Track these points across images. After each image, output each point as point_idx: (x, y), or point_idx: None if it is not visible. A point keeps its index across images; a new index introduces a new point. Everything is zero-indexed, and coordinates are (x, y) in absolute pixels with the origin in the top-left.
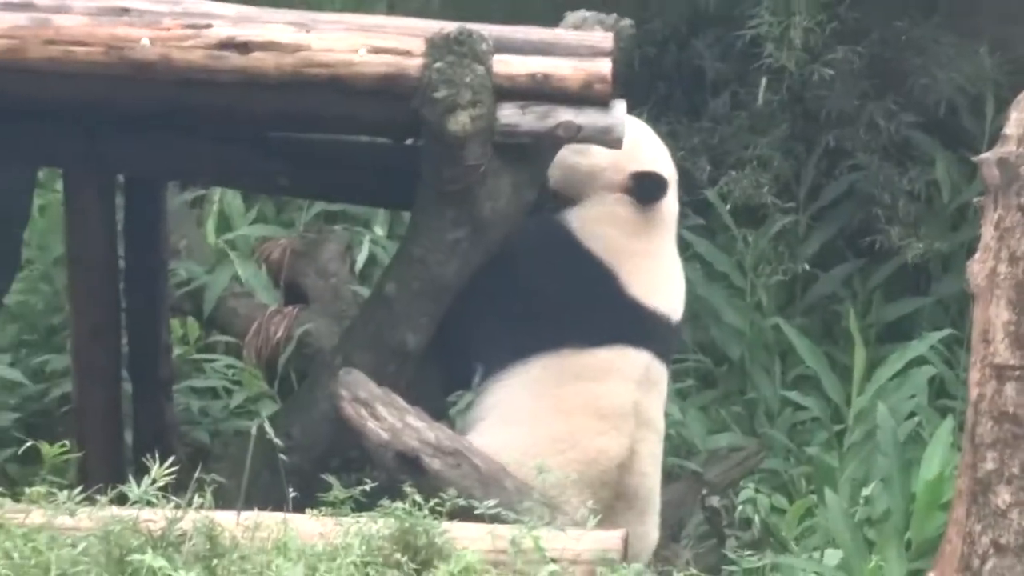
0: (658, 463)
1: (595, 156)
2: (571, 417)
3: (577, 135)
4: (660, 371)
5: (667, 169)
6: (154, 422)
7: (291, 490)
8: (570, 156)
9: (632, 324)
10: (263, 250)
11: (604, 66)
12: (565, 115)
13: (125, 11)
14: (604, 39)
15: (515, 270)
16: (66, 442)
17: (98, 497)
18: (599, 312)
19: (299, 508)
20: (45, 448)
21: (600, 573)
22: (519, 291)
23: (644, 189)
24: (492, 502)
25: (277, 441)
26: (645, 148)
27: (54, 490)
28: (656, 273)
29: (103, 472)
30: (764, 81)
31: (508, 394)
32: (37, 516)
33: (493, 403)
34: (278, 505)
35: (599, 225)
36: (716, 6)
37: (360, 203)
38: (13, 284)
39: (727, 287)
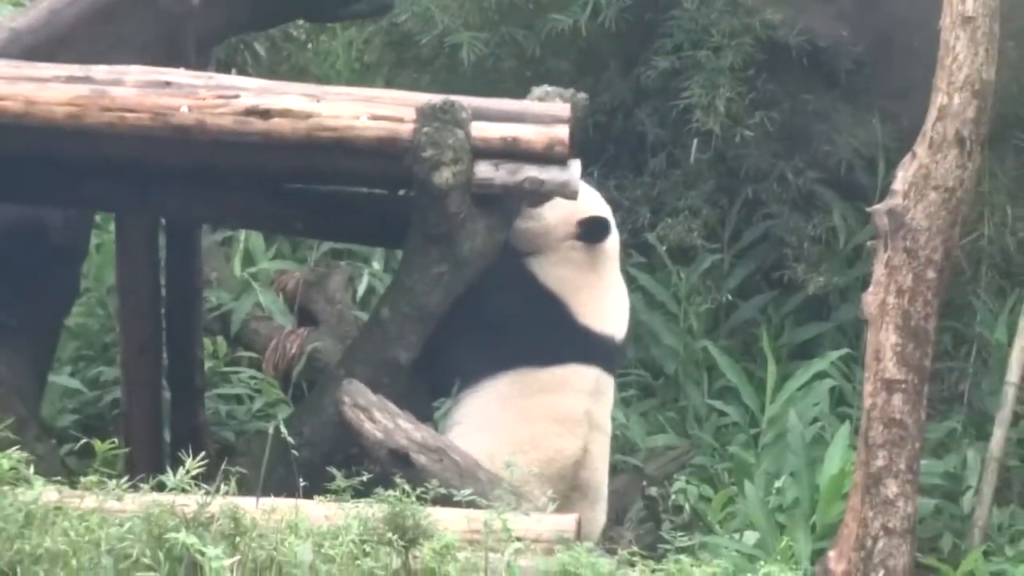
0: (606, 460)
1: (546, 218)
2: (533, 423)
3: (541, 188)
4: (607, 382)
5: (606, 213)
6: (188, 423)
7: (301, 480)
8: (526, 223)
9: (583, 346)
10: (280, 281)
11: (563, 131)
12: (531, 171)
13: (168, 84)
14: (563, 109)
15: (487, 304)
16: (115, 440)
17: (141, 485)
18: (555, 337)
19: (308, 495)
20: (98, 444)
21: (557, 550)
22: (490, 321)
23: (590, 232)
24: (468, 491)
25: (290, 440)
26: (586, 199)
27: (105, 479)
28: (602, 301)
29: (146, 464)
30: (695, 143)
31: (480, 404)
32: (90, 501)
33: (468, 412)
34: (291, 493)
35: (555, 268)
36: (655, 82)
37: (361, 243)
38: (73, 308)
39: (664, 314)
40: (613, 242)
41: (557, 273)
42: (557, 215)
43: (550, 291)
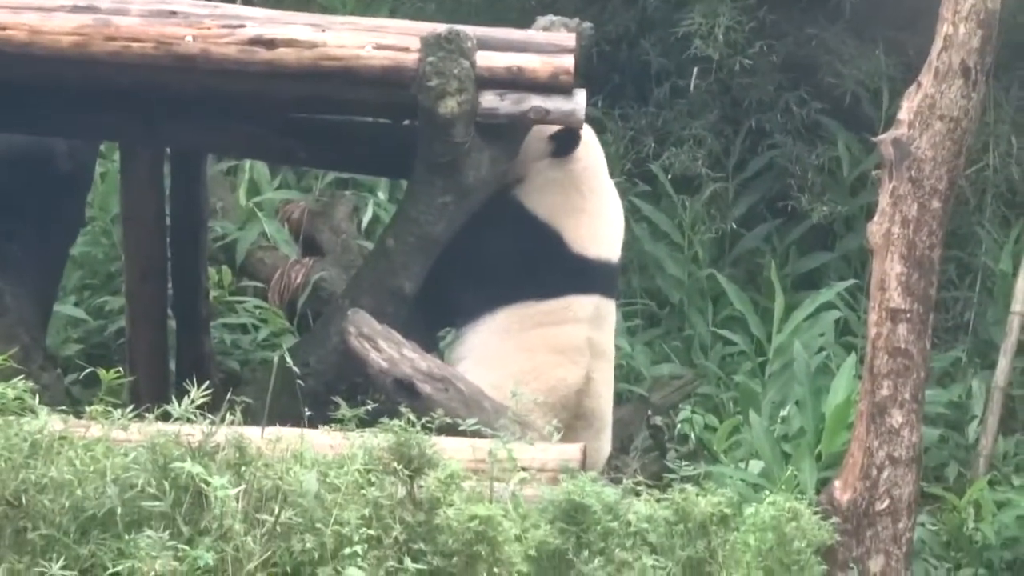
0: (610, 387)
1: None
2: (534, 355)
3: (546, 117)
4: (608, 307)
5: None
6: (193, 353)
7: (307, 410)
8: None
9: (578, 275)
10: (285, 211)
11: (568, 61)
12: (535, 101)
13: (173, 13)
14: (568, 39)
15: (481, 240)
16: (120, 369)
17: (146, 415)
18: (550, 268)
19: (313, 424)
20: (103, 373)
21: (562, 479)
22: (485, 256)
23: (561, 145)
24: (473, 420)
25: (295, 369)
26: None
27: (110, 409)
28: (592, 224)
29: (151, 394)
30: (695, 71)
31: (481, 339)
32: (96, 430)
33: (469, 347)
34: (296, 422)
35: (540, 193)
36: (659, 11)
37: (366, 173)
38: (78, 238)
39: (669, 243)
40: (596, 158)
41: (543, 199)
42: (529, 135)
43: (539, 219)
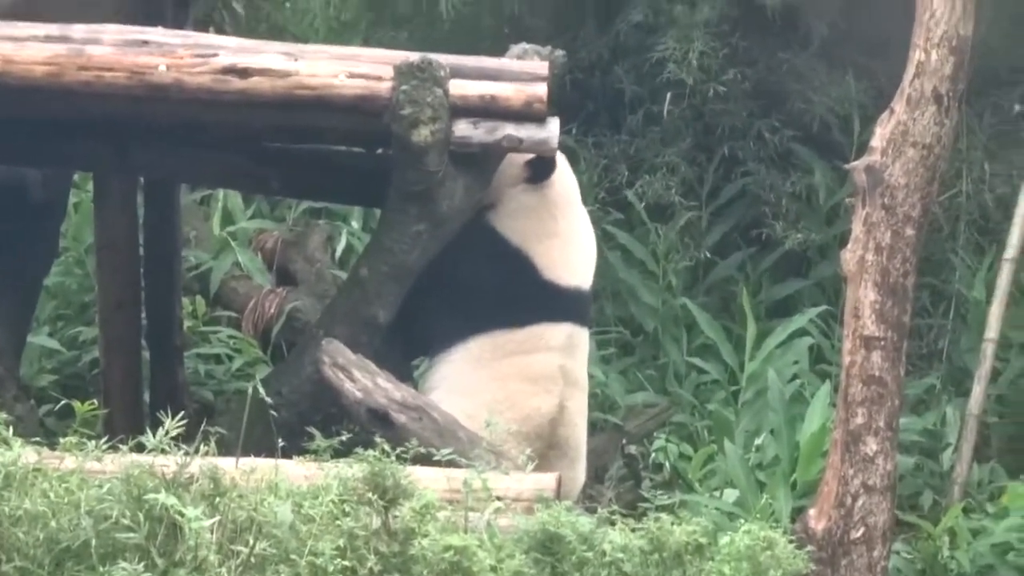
0: (584, 416)
1: None
2: (507, 384)
3: (519, 145)
4: (581, 335)
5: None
6: (168, 383)
7: (281, 440)
8: None
9: (551, 303)
10: (259, 240)
11: (541, 89)
12: (509, 129)
13: (146, 43)
14: (541, 67)
15: (454, 266)
16: (94, 400)
17: (120, 446)
18: (523, 297)
19: (287, 455)
20: (77, 405)
21: (537, 509)
22: (458, 284)
23: (537, 171)
24: (448, 450)
25: (269, 400)
26: None
27: (84, 440)
28: (565, 251)
29: (125, 425)
30: (668, 96)
31: (454, 369)
32: (70, 462)
33: (442, 376)
34: (270, 453)
35: (513, 219)
36: (632, 37)
37: (339, 202)
38: (52, 267)
39: (643, 271)
40: (568, 184)
41: (516, 225)
42: (506, 160)
43: (512, 245)
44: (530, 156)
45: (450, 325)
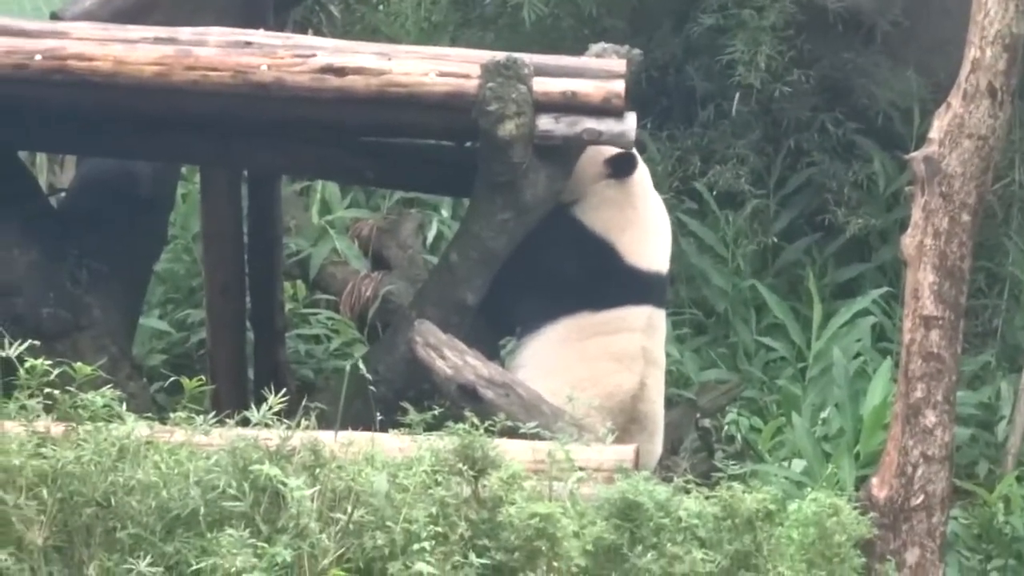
0: (662, 393)
1: (578, 163)
2: (592, 363)
3: (599, 139)
4: (659, 317)
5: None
6: (270, 362)
7: (377, 415)
8: None
9: (633, 286)
10: (355, 228)
11: (619, 86)
12: (589, 123)
13: (248, 44)
14: (619, 65)
15: (541, 254)
16: (202, 378)
17: (227, 420)
18: (607, 281)
19: (383, 428)
20: (186, 382)
21: (617, 478)
22: (546, 270)
23: (618, 167)
24: (533, 424)
25: (366, 376)
26: None
27: (192, 415)
28: (645, 239)
29: (230, 401)
30: (737, 96)
31: (542, 348)
32: (179, 435)
33: (530, 355)
34: (367, 426)
35: (596, 211)
36: (703, 38)
37: (430, 192)
38: (162, 255)
39: (714, 256)
40: (644, 177)
41: (600, 216)
42: (586, 158)
43: (596, 235)
44: (610, 153)
45: (537, 308)
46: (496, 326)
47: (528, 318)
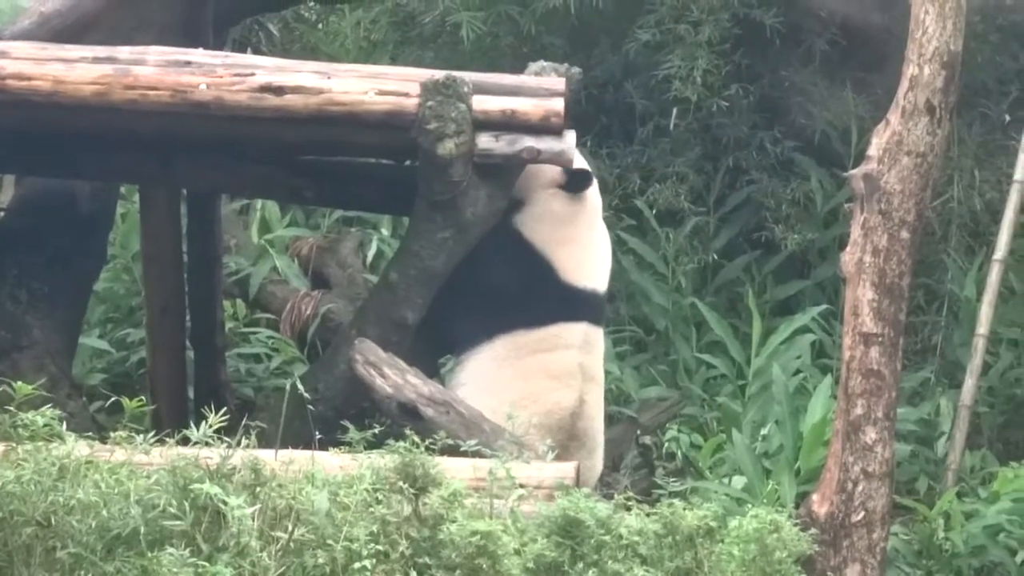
0: (601, 409)
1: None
2: (530, 380)
3: (537, 157)
4: (596, 335)
5: (586, 167)
6: (210, 381)
7: (317, 433)
8: None
9: (569, 304)
10: (295, 247)
11: (558, 104)
12: (528, 142)
13: (188, 63)
14: (558, 83)
15: (480, 268)
16: (142, 397)
17: (167, 439)
18: (543, 298)
19: (324, 447)
20: (126, 402)
21: (557, 496)
22: (483, 286)
23: (574, 181)
24: (473, 442)
25: (306, 395)
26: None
27: (133, 434)
28: (584, 257)
29: (171, 420)
30: (675, 111)
31: (480, 366)
32: (120, 454)
33: (469, 373)
34: (307, 445)
35: (539, 223)
36: (641, 55)
37: (370, 210)
38: (101, 274)
39: (654, 274)
40: (595, 197)
41: (540, 229)
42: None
43: (534, 249)
44: (572, 167)
45: (476, 325)
46: (435, 344)
47: (466, 336)
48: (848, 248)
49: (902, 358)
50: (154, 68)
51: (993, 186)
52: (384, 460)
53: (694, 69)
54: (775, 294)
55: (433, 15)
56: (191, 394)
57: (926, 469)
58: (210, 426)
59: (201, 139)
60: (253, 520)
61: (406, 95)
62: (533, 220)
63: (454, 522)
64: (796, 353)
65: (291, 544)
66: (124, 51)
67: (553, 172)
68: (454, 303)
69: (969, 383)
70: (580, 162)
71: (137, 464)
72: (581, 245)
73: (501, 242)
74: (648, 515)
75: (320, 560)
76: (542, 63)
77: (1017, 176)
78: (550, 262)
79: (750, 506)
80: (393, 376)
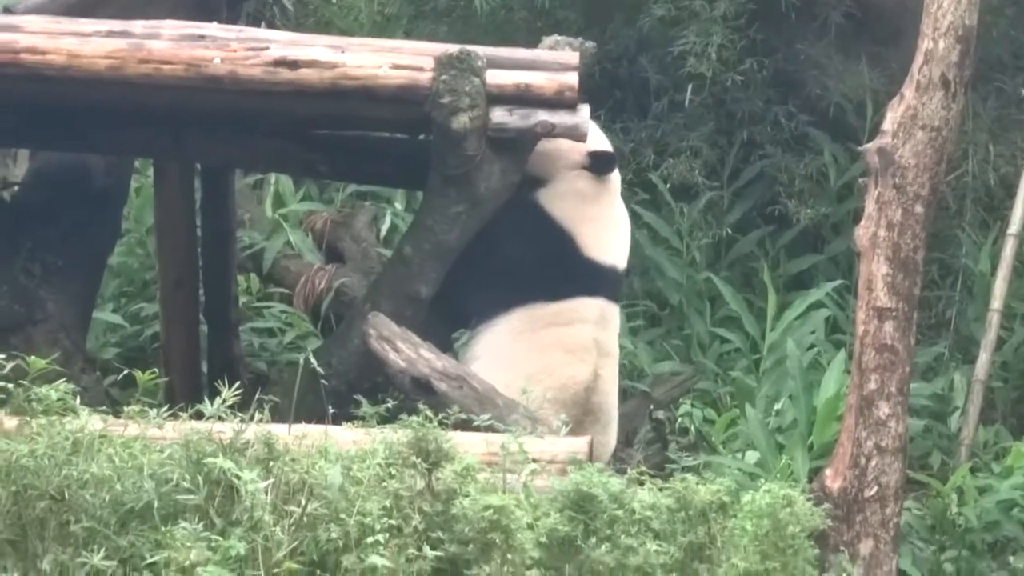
0: (616, 385)
1: (559, 141)
2: (546, 354)
3: (552, 131)
4: (613, 311)
5: (610, 149)
6: (224, 355)
7: (330, 408)
8: (541, 144)
9: (588, 279)
10: (309, 221)
11: (572, 78)
12: (542, 116)
13: (201, 37)
14: (572, 57)
15: (500, 239)
16: (156, 371)
17: (180, 414)
18: (563, 271)
19: (336, 421)
20: (139, 376)
21: (571, 470)
22: (502, 258)
23: (598, 164)
24: (487, 416)
25: (319, 369)
26: (594, 134)
27: (146, 408)
28: (605, 234)
29: (184, 394)
30: (690, 86)
31: (496, 339)
32: (133, 428)
33: (484, 346)
34: (320, 420)
35: (562, 199)
36: (655, 30)
37: (384, 185)
38: (115, 248)
39: (668, 248)
40: (615, 177)
41: (564, 205)
42: (566, 143)
43: (557, 224)
44: (597, 148)
45: (493, 298)
46: (450, 318)
47: (482, 308)
48: (862, 222)
49: (916, 333)
50: (168, 42)
51: (1008, 160)
52: (397, 435)
53: (709, 45)
54: (788, 268)
55: None
56: (205, 368)
57: (939, 444)
58: (223, 400)
59: (215, 113)
60: (266, 494)
61: (420, 69)
62: (557, 197)
63: (467, 496)
64: (810, 328)
65: (304, 518)
66: (138, 25)
67: (578, 155)
68: (470, 276)
69: (983, 358)
70: (605, 144)
71: (151, 438)
72: (602, 222)
73: (522, 216)
74: (661, 490)
75: (333, 534)
76: (556, 37)
77: None
78: (572, 236)
79: (763, 481)
80: (407, 350)
